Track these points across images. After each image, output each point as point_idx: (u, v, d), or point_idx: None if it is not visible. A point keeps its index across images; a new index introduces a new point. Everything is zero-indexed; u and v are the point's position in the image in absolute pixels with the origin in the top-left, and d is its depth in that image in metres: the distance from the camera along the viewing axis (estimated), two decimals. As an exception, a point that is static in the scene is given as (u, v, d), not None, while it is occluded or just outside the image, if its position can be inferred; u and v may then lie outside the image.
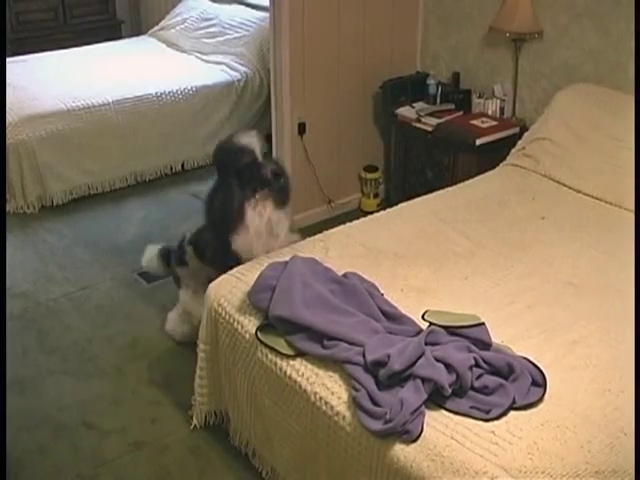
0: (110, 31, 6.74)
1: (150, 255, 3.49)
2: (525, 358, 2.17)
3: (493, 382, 2.09)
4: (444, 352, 2.12)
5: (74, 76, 5.25)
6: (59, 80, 5.15)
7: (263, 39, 5.26)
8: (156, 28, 6.32)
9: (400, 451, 1.99)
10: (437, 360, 2.10)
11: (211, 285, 2.74)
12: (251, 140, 2.89)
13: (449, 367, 2.08)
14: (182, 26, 6.07)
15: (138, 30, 6.88)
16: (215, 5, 6.11)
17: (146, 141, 5.01)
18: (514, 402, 2.04)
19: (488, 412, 2.02)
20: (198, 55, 5.70)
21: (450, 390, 2.05)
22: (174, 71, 5.41)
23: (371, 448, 2.05)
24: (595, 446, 1.93)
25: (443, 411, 2.05)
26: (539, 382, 2.10)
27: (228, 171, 2.90)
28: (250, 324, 2.49)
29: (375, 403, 2.07)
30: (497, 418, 2.01)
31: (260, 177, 2.87)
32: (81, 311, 3.64)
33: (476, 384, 2.09)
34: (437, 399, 2.06)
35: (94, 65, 5.50)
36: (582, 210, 3.18)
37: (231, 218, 2.88)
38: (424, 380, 2.06)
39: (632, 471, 1.87)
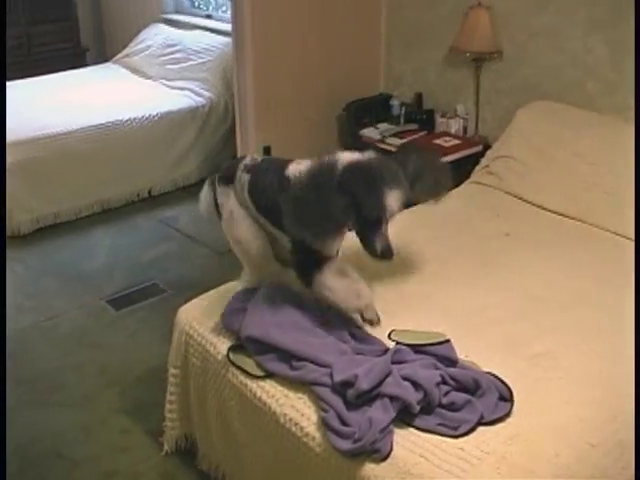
0: (75, 59, 6.74)
1: (204, 192, 2.92)
2: (491, 373, 2.19)
3: (460, 398, 2.10)
4: (411, 370, 2.14)
5: (39, 105, 5.25)
6: (24, 109, 5.14)
7: (227, 64, 5.28)
8: (120, 55, 6.34)
9: (370, 470, 1.99)
10: (404, 379, 2.11)
11: (182, 309, 2.74)
12: (395, 201, 2.31)
13: (416, 385, 2.09)
14: (146, 53, 6.09)
15: (103, 57, 6.88)
16: (179, 31, 6.14)
17: (112, 168, 5.00)
18: (482, 417, 2.05)
19: (456, 428, 2.04)
20: (163, 81, 5.72)
21: (418, 408, 2.06)
22: (139, 97, 5.43)
23: (341, 468, 2.05)
24: (562, 459, 1.95)
25: (412, 429, 2.05)
26: (506, 397, 2.12)
27: (348, 198, 2.28)
28: (223, 346, 2.48)
29: (344, 423, 2.08)
30: (465, 434, 2.02)
31: (368, 241, 2.36)
32: (49, 340, 3.61)
33: (443, 401, 2.10)
34: (405, 417, 2.07)
35: (59, 93, 5.49)
36: (545, 226, 3.22)
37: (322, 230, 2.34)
38: (392, 399, 2.07)
39: (599, 482, 1.90)
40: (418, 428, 2.05)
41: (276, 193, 2.45)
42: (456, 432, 2.03)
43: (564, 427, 2.05)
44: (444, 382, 2.14)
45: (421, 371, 2.13)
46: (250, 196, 2.59)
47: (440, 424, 2.05)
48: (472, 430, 2.03)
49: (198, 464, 2.76)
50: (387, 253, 2.35)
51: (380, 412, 2.05)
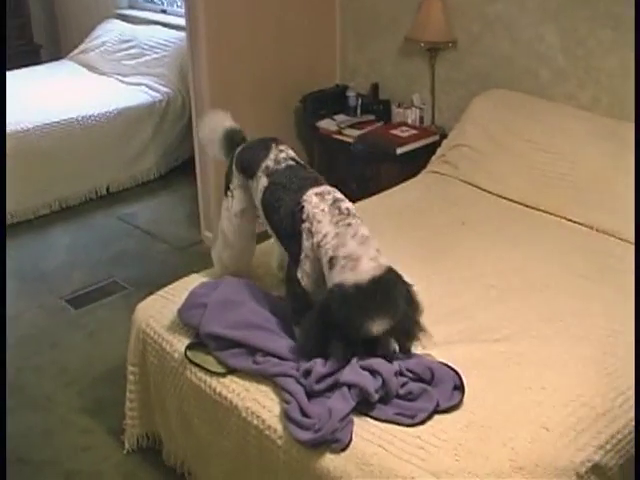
0: (29, 56, 6.66)
1: (216, 148, 2.83)
2: (443, 363, 2.21)
3: (417, 388, 2.11)
4: (369, 360, 2.15)
5: (-7, 103, 5.18)
6: (-23, 107, 5.07)
7: (183, 59, 5.21)
8: (75, 52, 6.27)
9: (330, 462, 2.00)
10: (363, 368, 2.12)
11: (138, 306, 2.73)
12: (380, 328, 2.12)
13: (374, 373, 2.10)
14: (101, 49, 6.04)
15: (57, 54, 6.81)
16: (133, 27, 6.09)
17: (70, 166, 4.96)
18: (438, 405, 2.07)
19: (413, 417, 2.05)
20: (118, 77, 5.67)
21: (377, 396, 2.07)
22: (95, 94, 5.38)
23: (302, 460, 2.06)
24: (518, 443, 1.97)
25: (369, 420, 2.06)
26: (459, 386, 2.14)
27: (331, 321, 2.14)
28: (179, 343, 2.48)
29: (305, 414, 2.09)
30: (422, 423, 2.04)
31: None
32: (8, 342, 3.55)
33: (401, 391, 2.11)
34: (363, 408, 2.08)
35: (14, 91, 5.39)
36: (501, 213, 3.25)
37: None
38: (350, 387, 2.08)
39: (555, 465, 1.92)
40: (376, 418, 2.06)
41: (288, 216, 2.36)
42: (413, 420, 2.04)
43: (520, 412, 2.07)
44: (401, 374, 2.15)
45: (379, 361, 2.14)
46: (262, 204, 2.50)
47: (397, 413, 2.07)
48: (429, 418, 2.05)
49: (165, 460, 2.75)
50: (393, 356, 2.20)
51: (339, 402, 2.05)
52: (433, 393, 2.09)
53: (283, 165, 2.51)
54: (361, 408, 2.07)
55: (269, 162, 2.52)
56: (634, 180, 2.88)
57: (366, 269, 2.13)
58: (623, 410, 2.11)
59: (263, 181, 2.49)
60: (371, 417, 2.07)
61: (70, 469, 2.82)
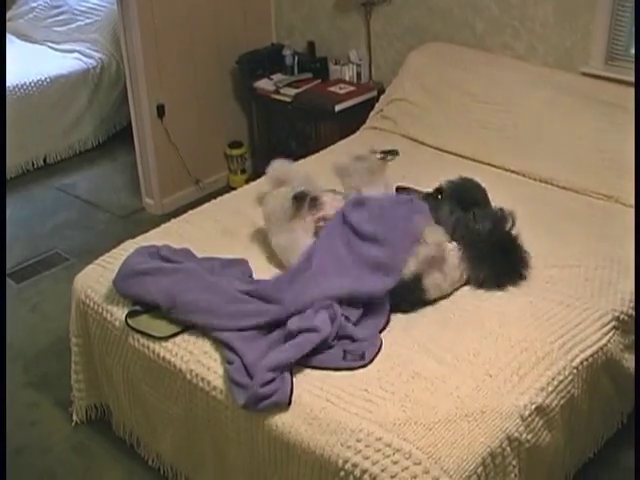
0: (-46, 27, 6.44)
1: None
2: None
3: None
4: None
5: None
6: None
7: (116, 23, 5.09)
8: (3, 19, 6.08)
9: (278, 418, 2.01)
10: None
11: (77, 277, 2.69)
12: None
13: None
14: (30, 15, 5.84)
15: (-16, 23, 6.60)
16: (62, -9, 5.91)
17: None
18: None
19: (363, 356, 2.10)
20: (50, 44, 5.51)
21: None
22: (26, 63, 5.21)
23: (250, 419, 2.07)
24: (463, 391, 2.00)
25: (316, 373, 2.08)
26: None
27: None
28: (119, 312, 2.46)
29: (250, 375, 2.08)
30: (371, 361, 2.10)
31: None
32: (-52, 320, 3.50)
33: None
34: (306, 360, 2.11)
35: (-60, 63, 5.25)
36: (441, 167, 3.24)
37: None
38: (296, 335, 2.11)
39: (499, 409, 1.95)
40: (324, 367, 2.10)
41: None
42: (364, 361, 2.10)
43: (463, 361, 2.11)
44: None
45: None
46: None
47: (344, 355, 2.12)
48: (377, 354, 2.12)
49: (115, 431, 2.74)
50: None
51: (274, 354, 2.08)
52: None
53: None
54: (304, 361, 2.10)
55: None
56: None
57: None
58: (562, 352, 2.15)
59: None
60: (318, 368, 2.10)
61: (19, 444, 2.78)
